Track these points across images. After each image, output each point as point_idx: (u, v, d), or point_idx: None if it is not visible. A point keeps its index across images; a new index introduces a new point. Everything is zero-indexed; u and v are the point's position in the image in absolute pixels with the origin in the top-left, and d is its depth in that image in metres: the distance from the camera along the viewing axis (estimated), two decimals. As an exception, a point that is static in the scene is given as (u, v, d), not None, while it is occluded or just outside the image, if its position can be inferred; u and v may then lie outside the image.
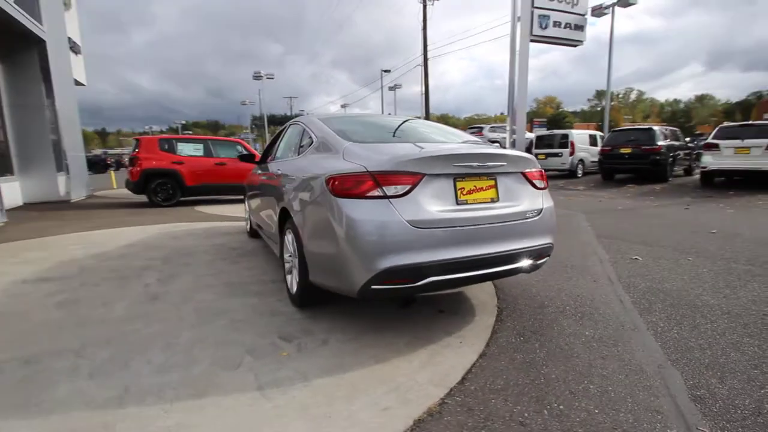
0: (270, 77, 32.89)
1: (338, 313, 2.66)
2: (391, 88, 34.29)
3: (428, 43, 25.65)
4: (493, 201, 2.31)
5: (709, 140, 9.50)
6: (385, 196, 2.06)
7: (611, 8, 15.79)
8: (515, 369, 2.01)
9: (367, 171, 2.08)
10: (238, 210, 7.98)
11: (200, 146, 8.89)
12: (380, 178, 2.06)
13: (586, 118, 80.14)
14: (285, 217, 2.93)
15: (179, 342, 2.30)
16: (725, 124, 10.62)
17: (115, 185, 14.30)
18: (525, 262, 2.40)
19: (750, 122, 10.12)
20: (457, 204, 2.20)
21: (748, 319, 2.52)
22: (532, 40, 14.75)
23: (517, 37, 14.53)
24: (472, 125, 20.96)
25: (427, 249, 2.06)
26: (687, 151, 12.89)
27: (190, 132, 65.73)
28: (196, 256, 4.24)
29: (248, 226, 5.23)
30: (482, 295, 3.02)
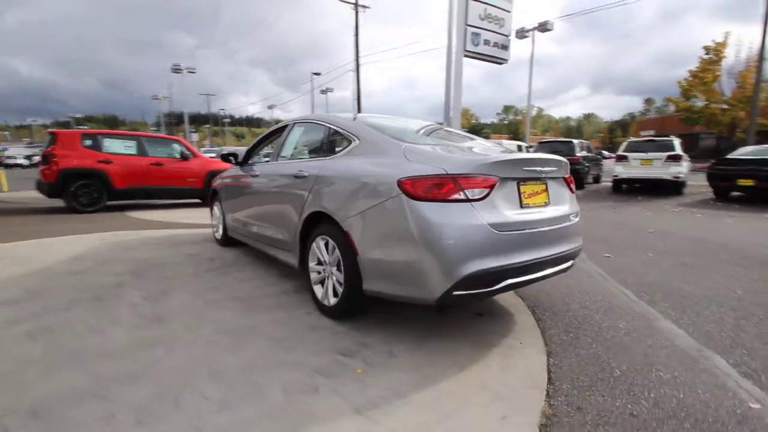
0: (191, 71, 30.16)
1: (378, 323, 2.53)
2: (323, 92, 33.81)
3: (358, 49, 25.86)
4: (546, 204, 2.40)
5: (620, 152, 11.03)
6: (468, 200, 2.02)
7: (532, 32, 17.57)
8: (588, 364, 2.11)
9: (448, 173, 2.02)
10: (182, 215, 7.18)
11: (132, 143, 7.80)
12: (462, 181, 2.02)
13: (496, 129, 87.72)
14: (312, 223, 2.71)
15: (226, 369, 1.98)
16: (632, 139, 12.42)
17: (6, 187, 11.85)
18: (569, 263, 2.54)
19: (653, 137, 11.99)
20: (521, 207, 2.24)
21: (730, 303, 2.96)
22: (465, 55, 15.69)
23: (453, 52, 15.38)
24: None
25: (506, 252, 2.07)
26: (596, 162, 14.80)
27: (87, 126, 57.40)
28: (172, 268, 3.70)
29: (219, 234, 4.72)
30: (505, 296, 3.11)
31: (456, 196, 2.00)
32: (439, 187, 2.01)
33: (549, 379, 1.97)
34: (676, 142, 10.57)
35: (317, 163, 2.78)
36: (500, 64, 17.77)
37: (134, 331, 2.38)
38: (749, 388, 1.88)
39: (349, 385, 1.86)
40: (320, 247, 2.64)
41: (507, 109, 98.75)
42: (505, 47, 17.24)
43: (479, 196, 2.05)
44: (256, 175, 3.59)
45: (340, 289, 2.48)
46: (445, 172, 2.03)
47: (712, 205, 8.60)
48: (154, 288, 3.14)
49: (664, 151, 10.14)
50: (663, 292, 3.22)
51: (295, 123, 3.45)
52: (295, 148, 3.31)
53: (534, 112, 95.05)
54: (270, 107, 48.02)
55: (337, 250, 2.45)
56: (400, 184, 2.06)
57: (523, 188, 2.27)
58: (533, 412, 1.70)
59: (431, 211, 1.99)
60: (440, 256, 1.96)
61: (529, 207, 2.28)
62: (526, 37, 17.45)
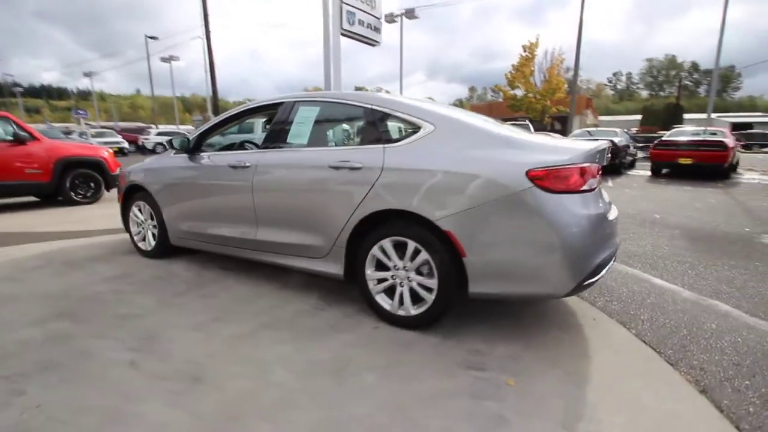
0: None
1: (458, 326, 2.35)
2: (164, 60, 28.14)
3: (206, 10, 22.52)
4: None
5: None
6: (590, 189, 1.99)
7: (400, 17, 18.28)
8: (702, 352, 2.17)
9: (574, 163, 1.94)
10: (35, 221, 5.19)
11: None
12: (586, 171, 1.98)
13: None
14: (369, 223, 2.29)
15: (376, 419, 1.54)
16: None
17: None
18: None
19: (516, 122, 14.01)
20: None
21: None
22: (342, 34, 15.38)
23: (330, 30, 14.88)
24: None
25: (609, 240, 2.14)
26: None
27: None
28: (122, 300, 2.66)
29: (148, 243, 3.59)
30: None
31: (585, 187, 1.96)
32: (571, 178, 1.92)
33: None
34: (530, 124, 12.67)
35: (373, 152, 2.32)
36: (373, 45, 18.05)
37: (175, 399, 1.63)
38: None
39: (521, 403, 1.67)
40: (388, 251, 2.26)
41: (358, 89, 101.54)
42: (377, 29, 17.51)
43: (595, 186, 2.05)
44: (244, 167, 2.80)
45: (427, 296, 2.18)
46: (571, 162, 1.95)
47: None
48: (125, 334, 2.19)
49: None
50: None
51: (297, 101, 2.78)
52: (315, 133, 2.67)
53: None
54: (88, 75, 37.79)
55: (423, 253, 2.14)
56: (530, 175, 1.90)
57: (597, 176, 2.37)
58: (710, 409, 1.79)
59: (568, 203, 1.90)
60: (579, 249, 1.90)
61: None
62: (395, 21, 18.12)
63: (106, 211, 5.92)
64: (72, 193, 6.41)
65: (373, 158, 2.29)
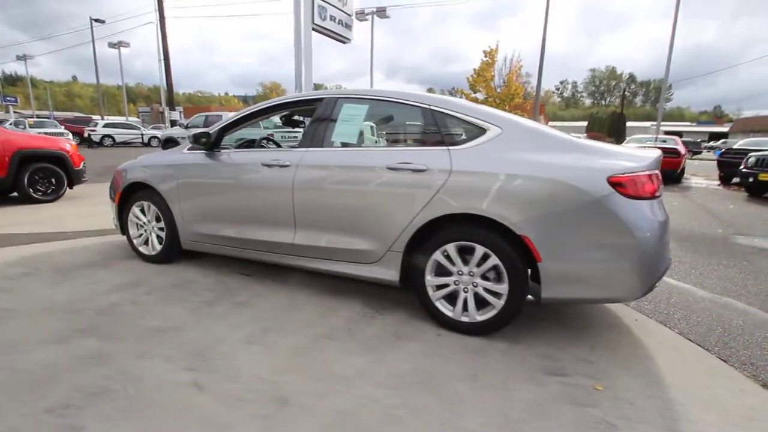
0: None
1: (515, 330, 2.35)
2: (112, 45, 25.72)
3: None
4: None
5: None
6: (660, 196, 2.06)
7: (371, 15, 18.16)
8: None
9: (647, 170, 1.99)
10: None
11: None
12: (656, 177, 2.04)
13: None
14: (430, 228, 2.23)
15: (493, 436, 1.48)
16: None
17: None
18: None
19: None
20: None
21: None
22: (313, 29, 15.09)
23: (302, 24, 14.53)
24: (255, 106, 19.28)
25: (668, 246, 2.23)
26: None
27: None
28: (142, 311, 2.38)
29: (151, 247, 3.27)
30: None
31: (657, 193, 2.02)
32: (647, 184, 1.97)
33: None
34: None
35: (438, 154, 2.24)
36: (344, 42, 17.88)
37: None
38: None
39: (621, 407, 1.69)
40: (452, 255, 2.20)
41: (317, 87, 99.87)
42: (348, 26, 17.38)
43: (661, 192, 2.12)
44: (282, 166, 2.60)
45: (495, 301, 2.15)
46: (648, 169, 2.00)
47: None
48: (170, 351, 1.96)
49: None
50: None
51: (339, 98, 2.63)
52: (364, 133, 2.54)
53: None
54: (21, 58, 33.54)
55: (493, 258, 2.10)
56: (611, 181, 1.92)
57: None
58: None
59: (644, 209, 1.95)
60: (653, 254, 1.96)
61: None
62: (366, 20, 17.96)
63: (73, 210, 5.35)
64: (30, 190, 5.72)
65: (439, 160, 2.22)
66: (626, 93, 64.07)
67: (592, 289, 2.05)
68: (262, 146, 3.31)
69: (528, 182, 2.04)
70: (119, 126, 22.66)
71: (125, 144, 21.94)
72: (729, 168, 10.45)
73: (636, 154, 2.14)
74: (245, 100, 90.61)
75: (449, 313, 2.27)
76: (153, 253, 3.28)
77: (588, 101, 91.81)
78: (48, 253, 3.47)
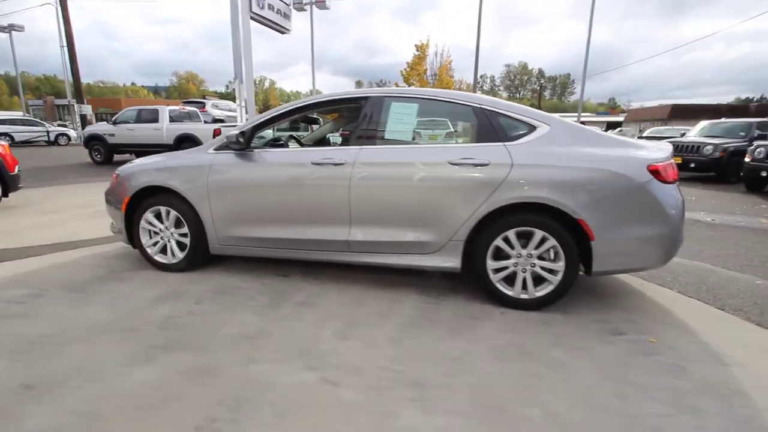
0: None
1: (559, 303, 2.68)
2: (2, 29, 21.50)
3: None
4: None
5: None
6: (677, 180, 2.49)
7: (310, 6, 17.69)
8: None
9: (671, 159, 2.41)
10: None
11: None
12: (675, 165, 2.46)
13: (226, 98, 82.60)
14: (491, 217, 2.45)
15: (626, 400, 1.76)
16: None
17: None
18: None
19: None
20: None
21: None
22: (252, 18, 14.42)
23: (239, 12, 13.81)
24: (190, 100, 17.76)
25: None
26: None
27: None
28: (214, 321, 2.29)
29: (174, 254, 3.06)
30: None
31: (677, 178, 2.45)
32: (673, 171, 2.39)
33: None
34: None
35: (497, 149, 2.44)
36: (283, 33, 17.31)
37: (443, 408, 1.59)
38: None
39: (680, 352, 2.06)
40: (512, 240, 2.45)
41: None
42: (287, 16, 16.84)
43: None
44: (336, 164, 2.62)
45: (552, 278, 2.44)
46: (670, 158, 2.41)
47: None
48: (274, 354, 1.95)
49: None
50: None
51: (386, 97, 2.71)
52: (417, 130, 2.64)
53: (267, 84, 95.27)
54: None
55: (551, 240, 2.39)
56: (650, 169, 2.30)
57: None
58: None
59: (671, 191, 2.36)
60: (678, 228, 2.39)
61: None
62: (304, 10, 17.44)
63: (27, 221, 4.68)
64: (-42, 201, 4.85)
65: (499, 155, 2.44)
66: (540, 87, 70.06)
67: (631, 260, 2.44)
68: (287, 146, 3.26)
69: (581, 172, 2.35)
70: (18, 123, 19.42)
71: (26, 143, 18.89)
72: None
73: (660, 146, 2.56)
74: (156, 90, 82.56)
75: (510, 293, 2.52)
76: (174, 261, 3.07)
77: (505, 94, 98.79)
78: (34, 272, 3.07)
